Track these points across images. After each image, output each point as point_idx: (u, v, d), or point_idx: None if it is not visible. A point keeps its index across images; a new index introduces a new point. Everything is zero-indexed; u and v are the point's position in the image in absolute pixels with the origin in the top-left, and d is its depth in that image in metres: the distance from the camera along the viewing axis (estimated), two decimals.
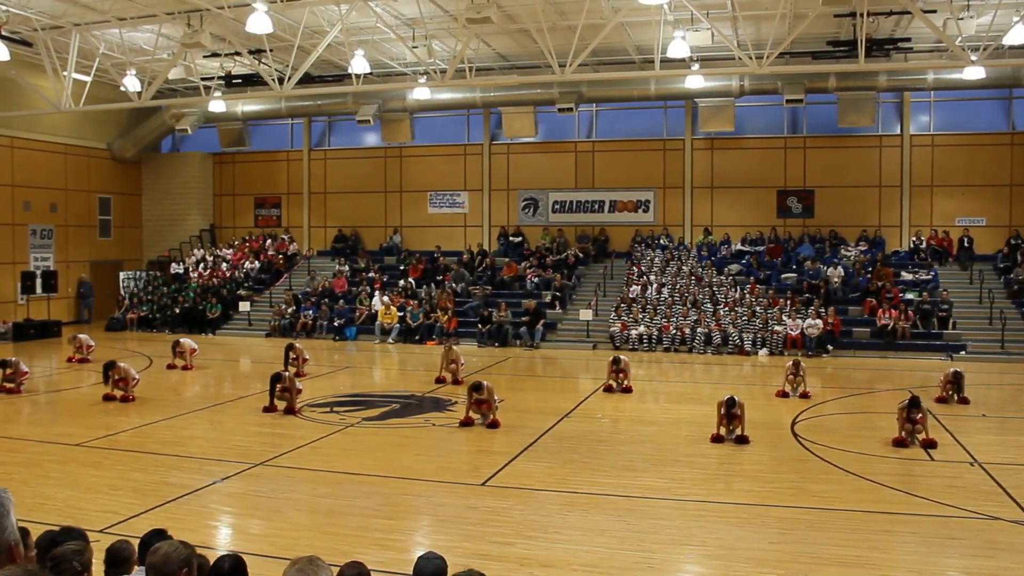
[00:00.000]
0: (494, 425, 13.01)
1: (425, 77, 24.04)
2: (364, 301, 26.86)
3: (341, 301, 27.24)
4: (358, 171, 32.21)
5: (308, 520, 8.73)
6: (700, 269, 26.57)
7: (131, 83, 23.26)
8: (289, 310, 26.94)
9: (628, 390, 16.45)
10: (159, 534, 4.58)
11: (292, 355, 18.57)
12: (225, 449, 11.67)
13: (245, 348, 24.56)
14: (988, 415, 14.50)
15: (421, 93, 26.06)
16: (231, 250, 31.88)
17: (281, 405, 14.17)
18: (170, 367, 19.35)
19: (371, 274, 28.78)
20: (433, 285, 27.71)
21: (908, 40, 22.61)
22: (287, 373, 14.92)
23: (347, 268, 29.69)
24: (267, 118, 31.55)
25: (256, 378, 17.54)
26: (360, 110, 28.73)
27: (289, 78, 21.47)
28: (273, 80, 21.84)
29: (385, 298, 26.47)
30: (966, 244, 26.24)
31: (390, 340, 25.17)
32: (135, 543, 4.64)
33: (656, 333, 23.72)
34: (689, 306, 24.38)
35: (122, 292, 30.31)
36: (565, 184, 30.26)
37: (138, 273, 31.36)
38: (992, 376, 19.19)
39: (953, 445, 11.92)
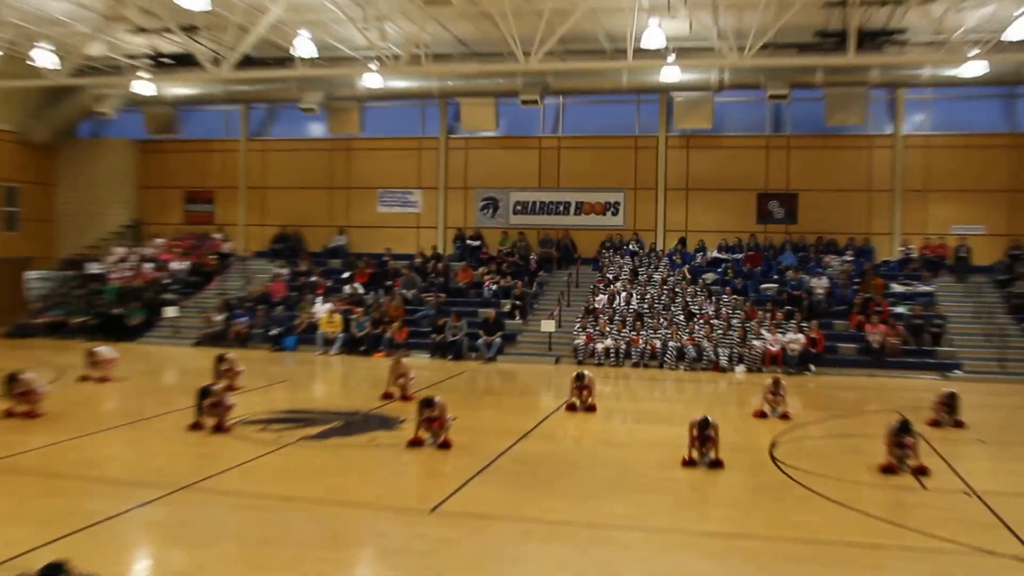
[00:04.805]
0: (446, 445, 12.92)
1: (377, 63, 23.91)
2: (305, 308, 26.67)
3: (279, 308, 26.98)
4: (301, 165, 32.02)
5: (237, 551, 8.56)
6: (673, 278, 26.73)
7: (44, 58, 22.74)
8: (221, 317, 26.61)
9: (592, 409, 16.41)
10: (57, 568, 4.42)
11: (223, 367, 18.31)
12: (144, 471, 11.43)
13: (170, 358, 24.18)
14: (986, 440, 14.67)
15: (372, 80, 25.90)
16: (157, 249, 31.45)
17: (210, 422, 13.96)
18: (84, 379, 18.97)
19: (313, 278, 28.56)
20: (382, 291, 27.58)
21: (903, 32, 22.79)
22: (217, 387, 14.73)
23: (287, 271, 29.45)
24: (200, 103, 31.15)
25: (182, 392, 17.18)
26: (304, 97, 28.49)
27: (226, 59, 21.23)
28: (208, 61, 21.58)
29: (328, 305, 26.29)
30: (962, 254, 26.67)
31: (333, 351, 24.98)
32: None
33: (624, 347, 23.77)
34: (660, 318, 24.50)
35: (29, 294, 29.64)
36: (528, 183, 30.29)
37: (49, 273, 30.73)
38: (990, 397, 19.46)
39: (947, 472, 12.03)
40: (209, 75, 22.32)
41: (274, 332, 25.94)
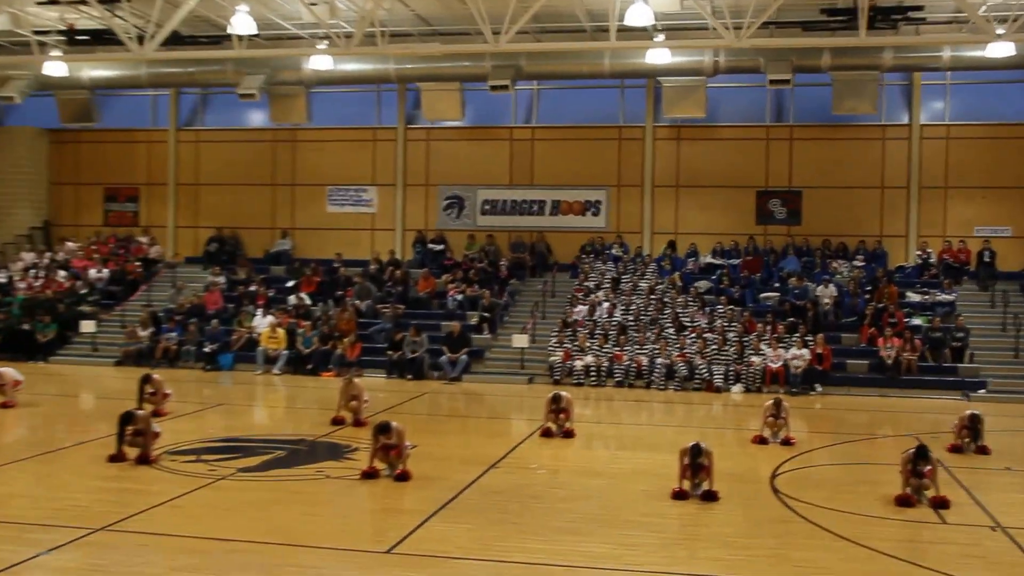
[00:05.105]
0: (404, 477, 12.89)
1: (326, 42, 23.85)
2: (244, 322, 26.54)
3: (214, 321, 26.77)
4: (239, 158, 31.86)
5: None
6: (661, 286, 26.84)
7: None
8: (146, 332, 26.40)
9: (570, 434, 16.41)
10: None
11: (149, 389, 18.15)
12: (55, 510, 11.28)
13: (88, 380, 23.97)
14: (1013, 468, 14.78)
15: (320, 62, 25.82)
16: (71, 254, 31.14)
17: (133, 453, 13.84)
18: None
19: (253, 288, 28.42)
20: (331, 302, 27.47)
21: (920, 9, 22.81)
22: (141, 412, 14.62)
23: (223, 280, 29.28)
24: (122, 87, 30.77)
25: (101, 418, 17.08)
26: (243, 81, 28.29)
27: (152, 37, 21.09)
28: (131, 38, 21.43)
29: (270, 318, 26.20)
30: (986, 259, 26.90)
31: (276, 370, 24.90)
32: None
33: (606, 364, 23.82)
34: (647, 332, 24.60)
35: None
36: (498, 180, 30.33)
37: None
38: (1018, 420, 19.65)
39: (970, 505, 12.16)
40: (132, 55, 22.14)
41: (208, 349, 25.75)
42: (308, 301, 27.60)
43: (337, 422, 17.27)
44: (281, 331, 25.59)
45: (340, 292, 27.95)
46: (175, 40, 23.01)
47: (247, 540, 10.20)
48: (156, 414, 16.99)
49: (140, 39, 22.24)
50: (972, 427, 15.59)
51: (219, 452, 14.92)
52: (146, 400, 17.74)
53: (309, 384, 23.64)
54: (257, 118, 31.85)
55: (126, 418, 14.00)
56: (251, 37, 23.30)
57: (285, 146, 31.68)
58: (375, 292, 27.79)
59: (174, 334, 26.30)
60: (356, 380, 18.28)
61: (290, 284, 28.86)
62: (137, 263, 30.77)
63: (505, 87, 27.13)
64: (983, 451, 15.45)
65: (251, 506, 11.70)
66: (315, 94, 30.32)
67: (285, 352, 25.20)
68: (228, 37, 23.45)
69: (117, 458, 13.80)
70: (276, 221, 31.66)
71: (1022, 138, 27.68)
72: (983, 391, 22.37)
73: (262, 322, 26.25)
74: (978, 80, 27.76)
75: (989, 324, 25.05)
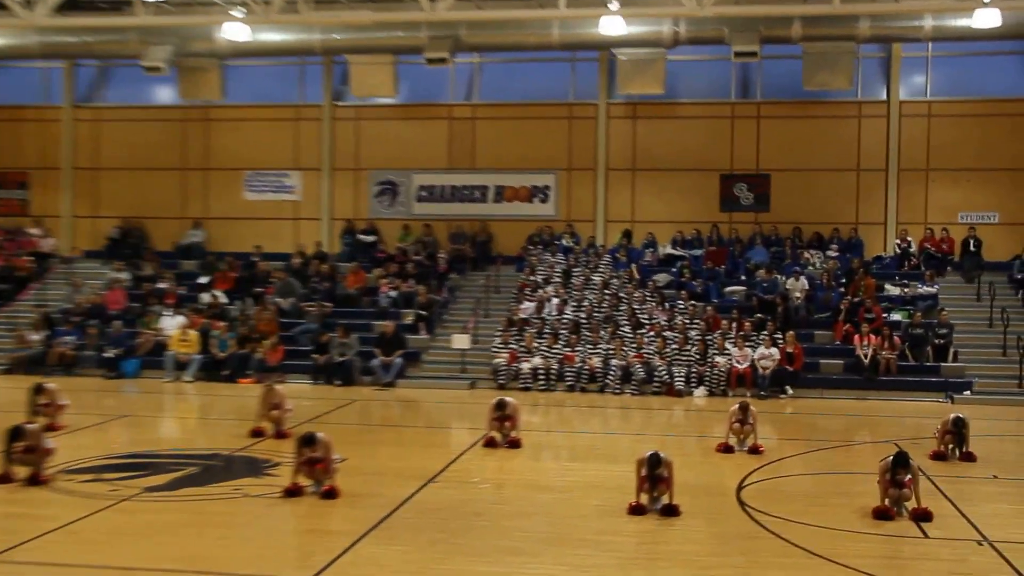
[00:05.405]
0: (331, 494, 12.81)
1: (242, 9, 23.64)
2: (151, 323, 26.35)
3: (117, 323, 26.56)
4: (145, 139, 31.56)
5: None
6: (616, 280, 26.97)
7: None
8: (39, 336, 26.10)
9: (516, 444, 16.45)
10: None
11: (42, 400, 17.94)
12: None
13: None
14: (1001, 476, 14.99)
15: (235, 32, 25.59)
16: None
17: (23, 472, 13.63)
18: None
19: (161, 285, 28.20)
20: (250, 301, 27.35)
21: None
22: (33, 426, 14.38)
23: (127, 276, 29.02)
24: (9, 58, 30.23)
25: None
26: (148, 53, 27.85)
27: (42, 1, 20.75)
28: (18, 3, 21.07)
29: (181, 319, 26.04)
30: (972, 248, 27.30)
31: (187, 377, 24.75)
32: None
33: (556, 366, 23.89)
34: (601, 330, 24.69)
35: None
36: (435, 163, 30.31)
37: None
38: (1006, 424, 19.96)
39: (954, 517, 12.29)
40: (19, 20, 21.82)
41: (110, 354, 25.56)
42: (223, 299, 27.46)
43: (256, 434, 17.14)
44: (193, 333, 25.40)
45: (259, 289, 27.83)
46: (70, 5, 22.70)
47: (154, 569, 10.06)
48: (50, 428, 16.77)
49: (29, 2, 21.89)
50: (956, 432, 15.71)
51: (122, 470, 14.72)
52: (38, 412, 17.51)
53: (225, 392, 23.50)
54: (165, 94, 31.55)
55: (14, 433, 13.73)
56: (157, 2, 23.03)
57: (197, 126, 31.40)
58: (299, 289, 27.67)
59: (71, 338, 26.01)
60: (278, 387, 18.14)
61: (203, 281, 28.70)
62: (27, 258, 30.37)
63: (443, 60, 27.02)
64: (968, 458, 15.61)
65: (159, 530, 11.52)
66: (230, 68, 30.11)
67: (198, 357, 25.03)
68: (131, 2, 23.14)
69: (4, 479, 13.56)
70: (187, 210, 31.40)
71: (1010, 115, 28.12)
72: (968, 392, 22.70)
73: (171, 323, 26.06)
74: (962, 52, 28.12)
75: (975, 319, 25.45)
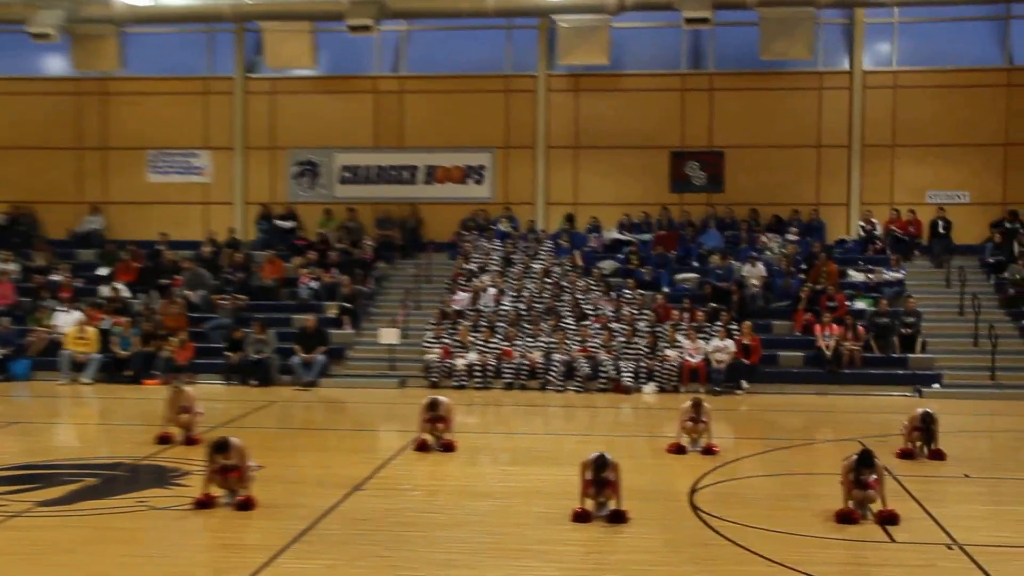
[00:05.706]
0: (247, 505, 12.75)
1: None
2: (44, 319, 26.11)
3: (5, 319, 26.19)
4: (34, 116, 31.21)
5: None
6: (559, 268, 27.07)
7: None
8: None
9: (450, 447, 16.48)
10: None
11: None
12: None
13: None
14: (972, 475, 15.22)
15: None
16: None
17: None
18: None
19: (55, 277, 27.88)
20: (155, 294, 27.13)
21: None
22: None
23: (15, 268, 28.67)
24: None
25: None
26: (36, 18, 27.53)
27: None
28: None
29: (78, 314, 25.78)
30: (941, 230, 27.69)
31: (85, 379, 24.53)
32: None
33: (493, 362, 23.95)
34: (542, 322, 24.77)
35: None
36: (359, 141, 30.25)
37: None
38: (978, 419, 20.25)
39: (922, 519, 12.45)
40: None
41: None
42: (125, 293, 27.26)
43: (163, 440, 16.99)
44: (91, 330, 25.17)
45: (166, 281, 27.66)
46: None
47: None
48: None
49: None
50: (925, 428, 15.88)
51: (12, 482, 14.51)
52: None
53: (128, 395, 23.31)
54: (56, 65, 31.26)
55: None
56: None
57: (93, 100, 31.08)
58: (209, 280, 27.52)
59: None
60: (187, 388, 18.01)
61: (102, 272, 28.51)
62: None
63: (367, 28, 26.97)
64: (937, 456, 15.82)
65: (55, 549, 11.38)
66: (130, 35, 29.82)
67: (97, 356, 24.83)
68: None
69: None
70: (83, 194, 31.13)
71: (982, 86, 28.51)
72: (937, 386, 23.06)
73: (67, 320, 25.83)
74: (931, 18, 28.50)
75: (944, 306, 25.85)
